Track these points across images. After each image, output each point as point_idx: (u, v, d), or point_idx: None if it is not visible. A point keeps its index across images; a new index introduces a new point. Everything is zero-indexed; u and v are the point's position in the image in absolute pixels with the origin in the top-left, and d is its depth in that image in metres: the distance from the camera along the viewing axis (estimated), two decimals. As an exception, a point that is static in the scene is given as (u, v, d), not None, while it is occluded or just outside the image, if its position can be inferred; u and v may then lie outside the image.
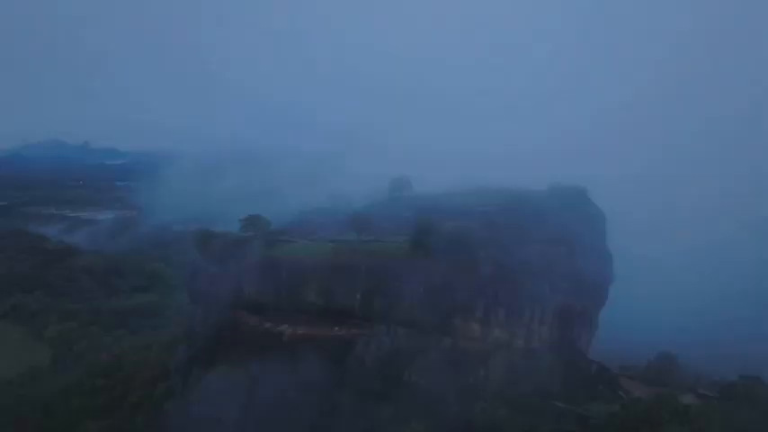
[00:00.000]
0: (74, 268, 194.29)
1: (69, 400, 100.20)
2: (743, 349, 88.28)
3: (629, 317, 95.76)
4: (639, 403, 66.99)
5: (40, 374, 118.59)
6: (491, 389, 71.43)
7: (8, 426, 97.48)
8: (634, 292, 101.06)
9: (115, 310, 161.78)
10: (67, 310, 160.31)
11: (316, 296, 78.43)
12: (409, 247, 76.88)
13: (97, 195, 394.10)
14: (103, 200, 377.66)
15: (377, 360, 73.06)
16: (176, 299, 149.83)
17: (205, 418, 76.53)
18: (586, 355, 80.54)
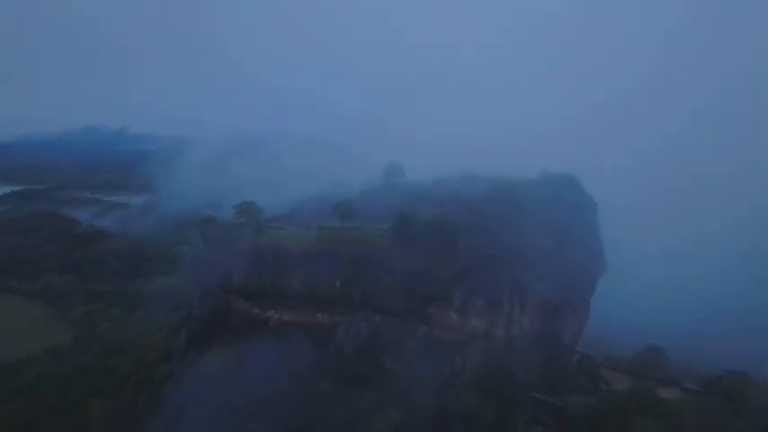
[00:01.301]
0: (103, 251, 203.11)
1: (84, 379, 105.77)
2: (735, 343, 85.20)
3: (622, 308, 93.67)
4: (615, 395, 66.17)
5: (61, 353, 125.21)
6: (467, 378, 71.61)
7: (30, 401, 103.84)
8: (628, 283, 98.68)
9: (139, 293, 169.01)
10: (94, 292, 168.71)
11: (300, 283, 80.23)
12: (390, 235, 77.41)
13: (131, 180, 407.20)
14: (136, 185, 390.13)
15: (355, 347, 74.40)
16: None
17: (197, 398, 79.97)
18: (570, 346, 79.08)
